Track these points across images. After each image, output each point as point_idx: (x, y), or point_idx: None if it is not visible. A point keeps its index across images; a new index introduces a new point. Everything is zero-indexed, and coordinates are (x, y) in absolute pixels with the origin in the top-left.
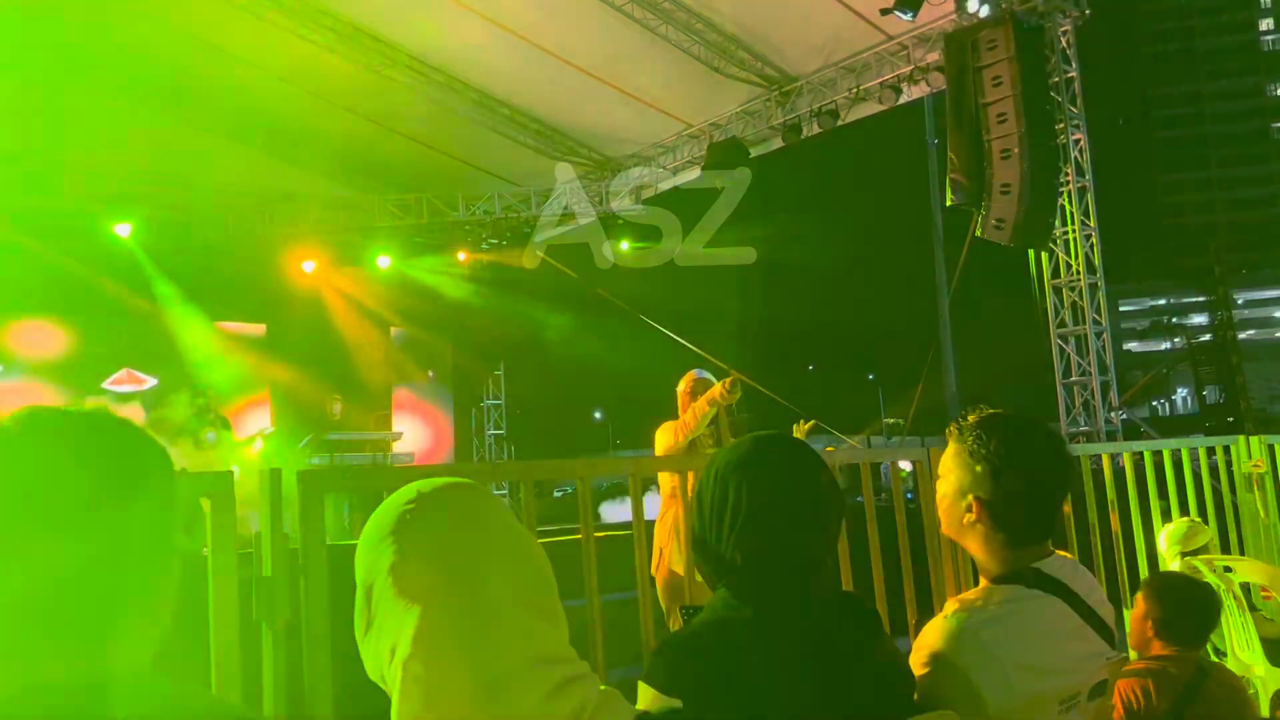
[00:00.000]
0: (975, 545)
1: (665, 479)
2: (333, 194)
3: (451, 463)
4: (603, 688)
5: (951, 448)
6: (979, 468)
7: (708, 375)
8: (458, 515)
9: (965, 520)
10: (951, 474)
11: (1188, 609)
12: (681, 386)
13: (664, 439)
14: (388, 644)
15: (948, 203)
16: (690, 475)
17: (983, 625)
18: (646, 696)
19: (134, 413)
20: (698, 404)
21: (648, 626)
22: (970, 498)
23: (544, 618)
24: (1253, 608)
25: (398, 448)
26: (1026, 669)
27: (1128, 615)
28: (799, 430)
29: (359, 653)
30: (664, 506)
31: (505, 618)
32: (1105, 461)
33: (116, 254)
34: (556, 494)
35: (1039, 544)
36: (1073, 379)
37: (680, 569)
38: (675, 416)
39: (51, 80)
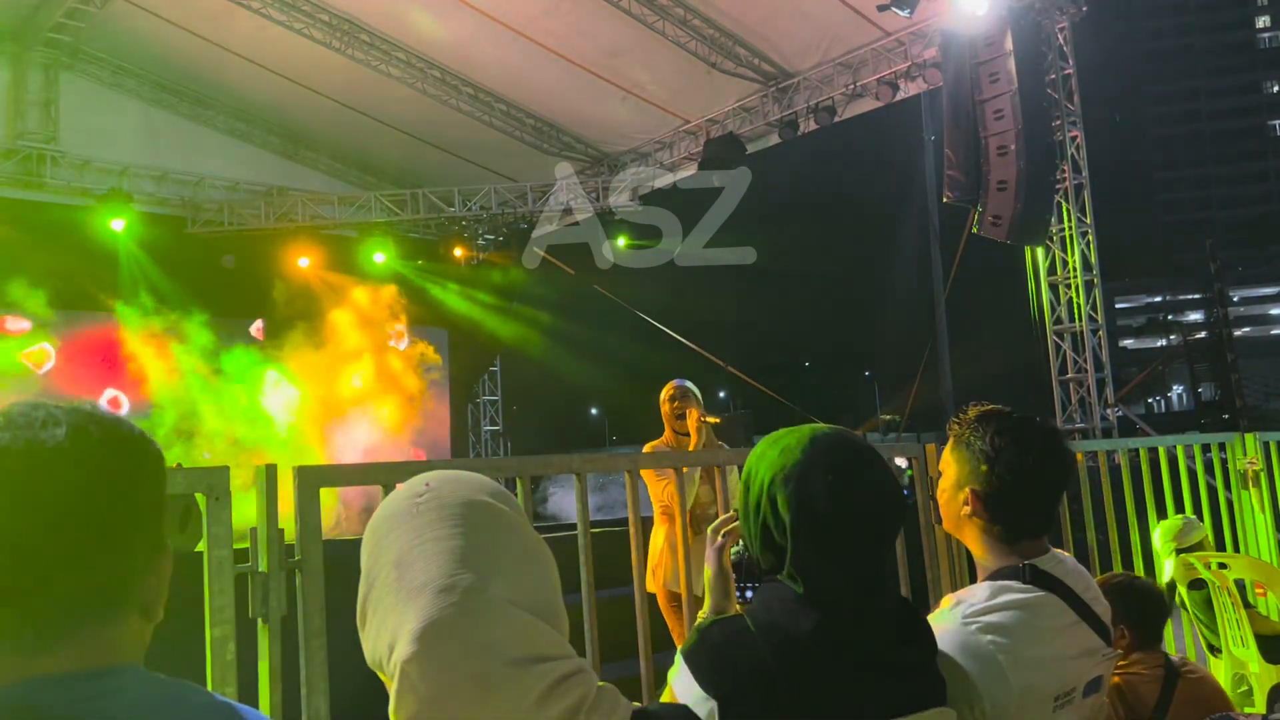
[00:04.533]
0: (973, 539)
1: (656, 494)
2: (329, 190)
3: (448, 458)
4: (601, 684)
5: (950, 441)
6: (974, 460)
7: (687, 384)
8: (466, 510)
9: (962, 513)
10: (950, 467)
11: (1138, 609)
12: (664, 396)
13: (654, 476)
14: (386, 639)
15: (944, 199)
16: (689, 487)
17: (979, 621)
18: (683, 681)
19: None
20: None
21: (642, 621)
22: (966, 490)
23: (545, 617)
24: (1247, 604)
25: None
26: (1022, 665)
27: None
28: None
29: (358, 642)
30: (656, 523)
31: (507, 617)
32: (1101, 458)
33: (110, 249)
34: (552, 490)
35: (1035, 539)
36: (1069, 376)
37: (678, 588)
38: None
39: (46, 72)
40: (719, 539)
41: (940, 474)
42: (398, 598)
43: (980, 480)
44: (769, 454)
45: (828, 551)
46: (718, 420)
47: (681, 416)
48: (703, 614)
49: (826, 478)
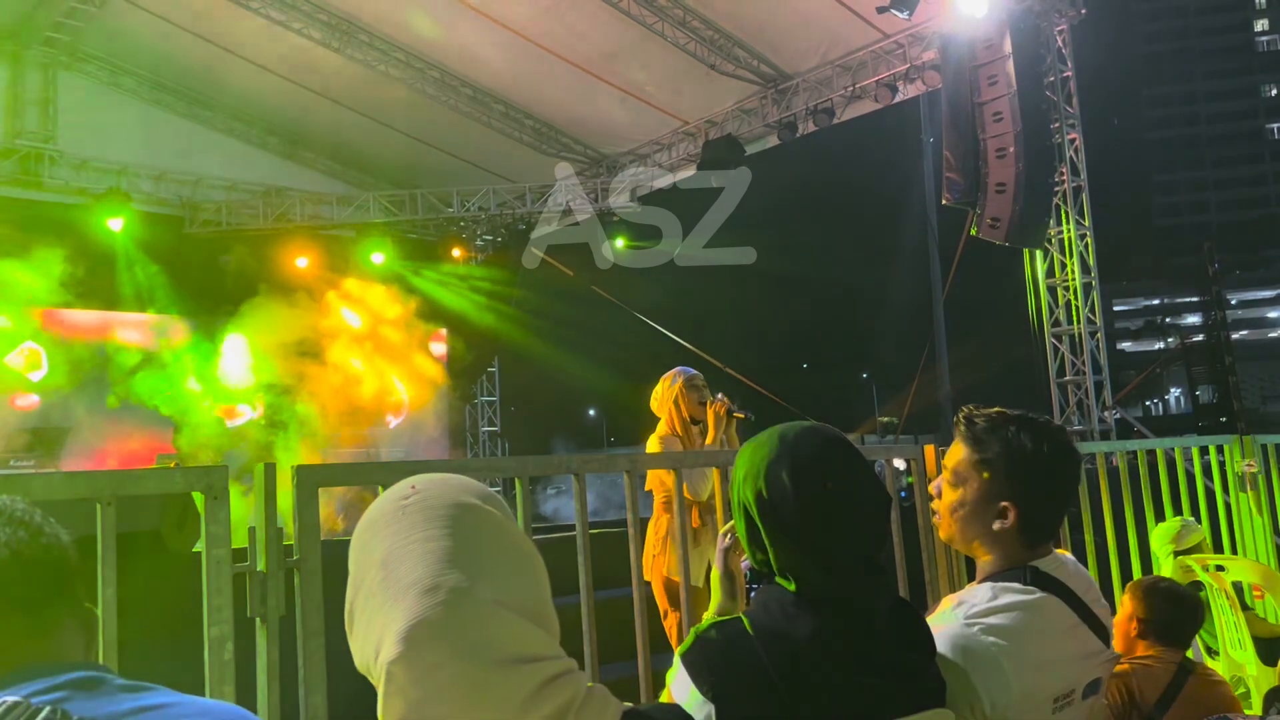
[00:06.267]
0: (992, 549)
1: (658, 488)
2: (327, 190)
3: (447, 459)
4: (590, 685)
5: (969, 454)
6: (1014, 472)
7: (692, 371)
8: (453, 512)
9: (997, 526)
10: (974, 480)
11: (1176, 611)
12: (672, 389)
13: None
14: (373, 640)
15: (943, 201)
16: (704, 482)
17: (981, 623)
18: (681, 683)
19: None
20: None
21: (640, 623)
22: (1004, 504)
23: (533, 619)
24: (1245, 607)
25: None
26: (1024, 667)
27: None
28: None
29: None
30: (657, 513)
31: (494, 617)
32: (1099, 461)
33: (108, 249)
34: (550, 491)
35: (1047, 543)
36: (1066, 378)
37: (677, 576)
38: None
39: (44, 72)
40: (729, 539)
41: (953, 483)
42: (384, 598)
43: (1019, 492)
44: (745, 452)
45: (804, 547)
46: (743, 417)
47: (703, 404)
48: (709, 614)
49: (792, 471)
